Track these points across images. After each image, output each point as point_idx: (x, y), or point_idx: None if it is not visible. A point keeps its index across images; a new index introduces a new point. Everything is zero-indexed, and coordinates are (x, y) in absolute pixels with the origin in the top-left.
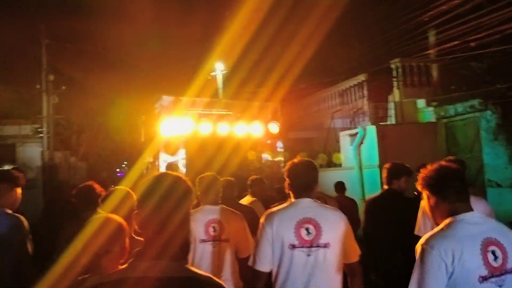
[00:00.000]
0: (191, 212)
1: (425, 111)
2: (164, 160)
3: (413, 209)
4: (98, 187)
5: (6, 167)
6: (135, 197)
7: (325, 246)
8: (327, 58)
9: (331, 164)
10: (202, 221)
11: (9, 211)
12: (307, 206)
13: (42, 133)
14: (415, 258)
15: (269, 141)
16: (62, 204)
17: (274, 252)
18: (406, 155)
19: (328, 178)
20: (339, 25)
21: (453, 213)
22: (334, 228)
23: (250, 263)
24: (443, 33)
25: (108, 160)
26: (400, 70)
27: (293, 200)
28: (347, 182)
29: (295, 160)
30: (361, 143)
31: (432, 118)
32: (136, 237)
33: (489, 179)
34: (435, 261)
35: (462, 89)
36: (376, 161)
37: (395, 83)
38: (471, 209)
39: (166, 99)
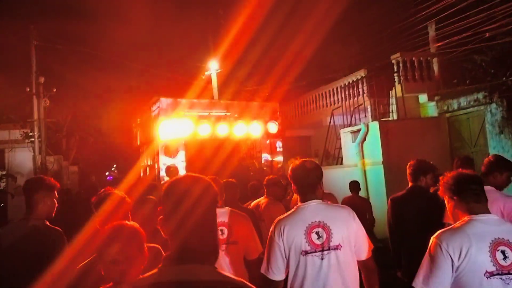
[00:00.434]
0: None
1: (428, 106)
2: (163, 163)
3: (441, 206)
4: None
5: None
6: (129, 201)
7: (337, 248)
8: (325, 55)
9: (330, 161)
10: None
11: (48, 224)
12: (314, 209)
13: (32, 138)
14: None
15: (268, 141)
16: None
17: (287, 259)
18: (410, 151)
19: (330, 176)
20: (336, 22)
21: (470, 213)
22: (344, 228)
23: (263, 270)
24: (445, 27)
25: (98, 163)
26: (401, 65)
27: (300, 204)
28: (349, 179)
29: (296, 162)
30: (364, 139)
31: (435, 113)
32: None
33: None
34: (442, 255)
35: (466, 82)
36: (380, 157)
37: (396, 78)
38: (488, 211)
39: (164, 101)
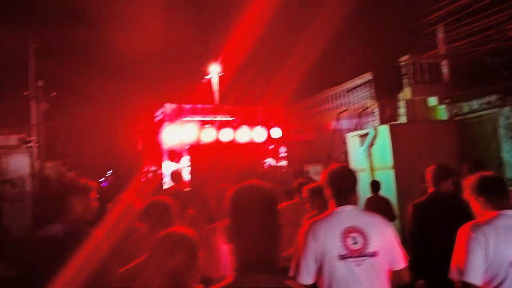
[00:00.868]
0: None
1: (437, 109)
2: (168, 168)
3: (464, 211)
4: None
5: None
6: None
7: (373, 255)
8: (329, 58)
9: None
10: None
11: (83, 227)
12: (350, 214)
13: (29, 143)
14: None
15: (271, 146)
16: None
17: (319, 263)
18: (420, 155)
19: None
20: (340, 24)
21: (497, 209)
22: (381, 235)
23: (291, 274)
24: (455, 29)
25: (94, 169)
26: (410, 67)
27: (335, 208)
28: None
29: (333, 167)
30: (372, 143)
31: (444, 116)
32: None
33: (510, 178)
34: (474, 244)
35: (477, 85)
36: (390, 162)
37: (405, 81)
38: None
39: (169, 106)
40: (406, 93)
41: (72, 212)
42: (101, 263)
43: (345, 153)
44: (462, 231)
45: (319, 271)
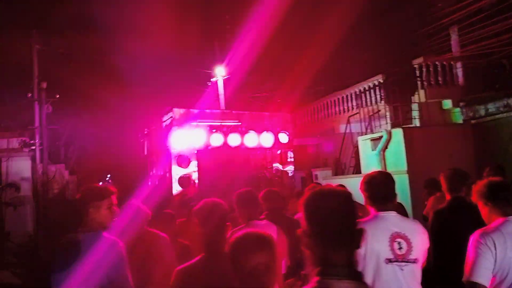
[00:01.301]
0: None
1: (452, 112)
2: (176, 173)
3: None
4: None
5: None
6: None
7: (415, 261)
8: (338, 61)
9: (338, 171)
10: None
11: (106, 234)
12: (395, 220)
13: (32, 146)
14: None
15: (279, 151)
16: None
17: (367, 266)
18: (434, 159)
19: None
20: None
21: (504, 216)
22: (421, 243)
23: None
24: (469, 32)
25: (95, 173)
26: (424, 69)
27: (379, 213)
28: None
29: (372, 172)
30: (386, 147)
31: (459, 120)
32: None
33: None
34: (484, 247)
35: (494, 87)
36: (404, 166)
37: (419, 83)
38: None
39: (177, 111)
40: (419, 96)
41: (92, 220)
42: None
43: (355, 157)
44: (473, 238)
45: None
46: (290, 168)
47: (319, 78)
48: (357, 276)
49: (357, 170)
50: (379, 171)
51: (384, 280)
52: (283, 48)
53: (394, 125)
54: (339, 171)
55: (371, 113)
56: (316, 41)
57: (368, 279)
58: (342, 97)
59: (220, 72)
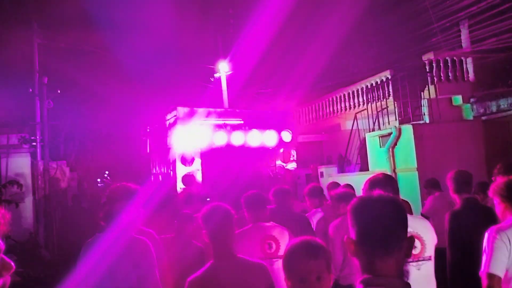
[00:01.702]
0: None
1: (462, 108)
2: (180, 171)
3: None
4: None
5: None
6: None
7: (430, 259)
8: (344, 57)
9: (343, 168)
10: (257, 238)
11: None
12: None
13: (33, 142)
14: None
15: (282, 150)
16: None
17: None
18: (444, 157)
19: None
20: (356, 22)
21: None
22: (432, 240)
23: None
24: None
25: (94, 170)
26: (434, 64)
27: None
28: None
29: (375, 175)
30: (395, 144)
31: (470, 116)
32: None
33: None
34: (499, 243)
35: (507, 83)
36: (413, 163)
37: (429, 79)
38: None
39: (181, 110)
40: (430, 92)
41: (120, 219)
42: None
43: (360, 154)
44: (489, 233)
45: None
46: (292, 166)
47: (325, 74)
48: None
49: (363, 167)
50: (382, 173)
51: None
52: (288, 43)
53: (402, 122)
54: (344, 168)
55: (379, 109)
56: (322, 35)
57: None
58: (349, 93)
59: (223, 68)
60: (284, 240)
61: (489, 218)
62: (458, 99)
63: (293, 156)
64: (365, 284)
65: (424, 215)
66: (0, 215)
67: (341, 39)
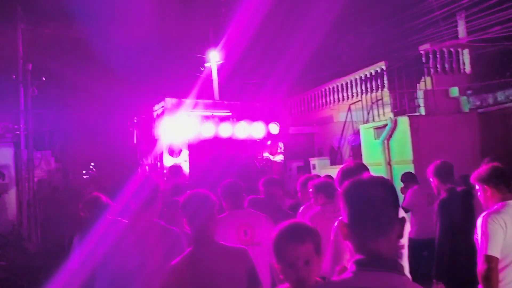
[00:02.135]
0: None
1: (459, 100)
2: (167, 162)
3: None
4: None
5: None
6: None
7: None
8: (336, 47)
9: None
10: (233, 225)
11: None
12: None
13: (16, 131)
14: None
15: (269, 142)
16: None
17: None
18: (440, 149)
19: None
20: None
21: (504, 200)
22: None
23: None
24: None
25: (80, 161)
26: (430, 56)
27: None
28: None
29: (347, 164)
30: (390, 136)
31: (467, 108)
32: None
33: None
34: (496, 226)
35: (504, 75)
36: (409, 156)
37: (425, 70)
38: None
39: (169, 101)
40: (426, 83)
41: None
42: None
43: (353, 146)
44: (484, 218)
45: None
46: (280, 158)
47: (318, 64)
48: (396, 268)
49: (355, 159)
50: (355, 162)
51: None
52: (280, 33)
53: (397, 114)
54: (336, 160)
55: (373, 101)
56: (315, 25)
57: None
58: (342, 84)
59: (214, 58)
60: (260, 227)
61: (472, 205)
62: (455, 91)
63: (281, 148)
64: (358, 264)
65: (405, 208)
66: None
67: (335, 29)
